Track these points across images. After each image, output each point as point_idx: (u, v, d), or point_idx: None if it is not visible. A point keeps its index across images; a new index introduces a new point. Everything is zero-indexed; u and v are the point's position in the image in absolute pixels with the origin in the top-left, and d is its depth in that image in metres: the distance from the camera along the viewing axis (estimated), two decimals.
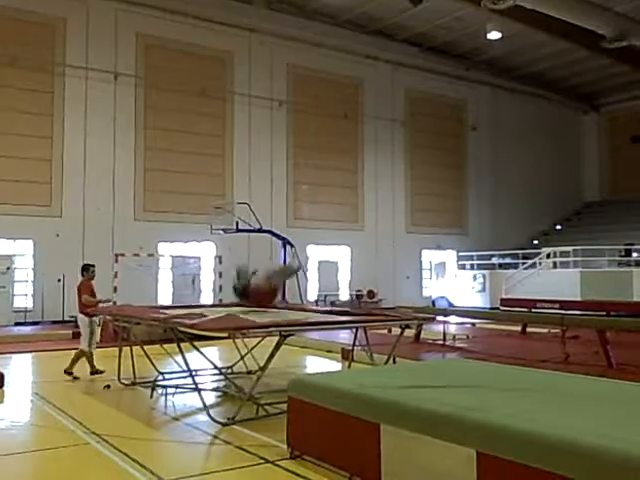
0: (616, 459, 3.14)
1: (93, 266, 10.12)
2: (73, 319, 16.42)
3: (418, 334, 13.00)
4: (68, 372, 9.31)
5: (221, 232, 18.66)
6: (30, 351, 12.47)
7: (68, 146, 18.92)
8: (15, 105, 18.10)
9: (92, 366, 9.43)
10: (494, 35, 23.46)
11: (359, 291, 23.57)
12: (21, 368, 11.27)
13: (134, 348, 8.78)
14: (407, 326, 7.96)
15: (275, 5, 22.17)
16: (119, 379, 8.65)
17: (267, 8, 22.04)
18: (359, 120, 24.78)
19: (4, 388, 8.50)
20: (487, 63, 27.52)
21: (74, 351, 9.62)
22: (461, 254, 26.31)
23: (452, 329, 15.09)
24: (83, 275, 10.05)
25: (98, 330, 9.95)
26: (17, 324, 17.18)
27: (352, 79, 24.61)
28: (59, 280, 17.85)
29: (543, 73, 28.65)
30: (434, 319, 12.22)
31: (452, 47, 25.91)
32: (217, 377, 8.78)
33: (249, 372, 8.97)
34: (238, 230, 18.44)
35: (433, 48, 25.67)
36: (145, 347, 8.92)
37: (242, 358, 8.90)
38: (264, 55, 22.49)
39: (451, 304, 23.91)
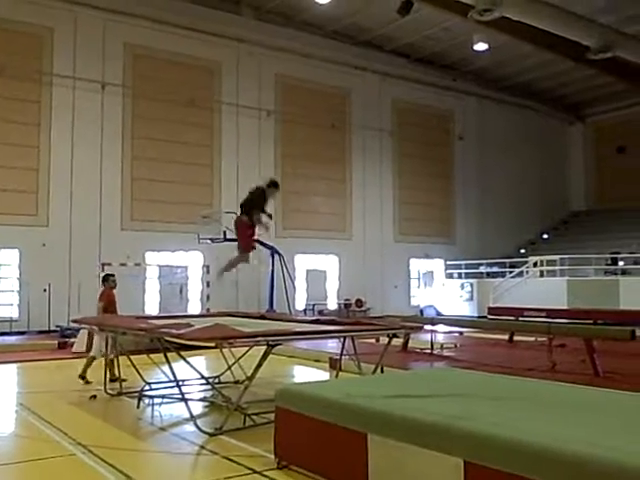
0: (602, 468, 3.15)
1: (113, 275, 10.54)
2: (59, 329, 16.36)
3: (406, 343, 12.99)
4: (82, 377, 9.40)
5: (208, 241, 18.63)
6: (15, 361, 12.33)
7: (55, 155, 18.84)
8: (2, 114, 18.02)
9: (84, 371, 9.47)
10: (481, 46, 23.69)
11: (347, 300, 23.57)
12: (6, 378, 11.14)
13: (120, 358, 8.71)
14: (395, 335, 7.96)
15: (264, 16, 22.25)
16: (105, 389, 8.59)
17: (256, 19, 22.12)
18: (347, 130, 24.87)
19: None
20: (474, 74, 27.74)
21: (59, 361, 9.55)
22: (449, 263, 26.41)
23: (440, 338, 15.10)
24: (104, 285, 10.37)
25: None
26: (2, 334, 17.01)
27: (340, 89, 24.71)
28: (45, 290, 17.74)
29: (529, 84, 28.92)
30: (422, 328, 12.27)
31: (439, 58, 26.11)
32: (204, 387, 8.73)
33: (236, 382, 8.92)
34: (226, 239, 18.39)
35: (421, 59, 25.86)
36: (132, 357, 8.85)
37: (229, 368, 8.86)
38: (252, 65, 22.54)
39: (439, 313, 23.96)
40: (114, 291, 10.43)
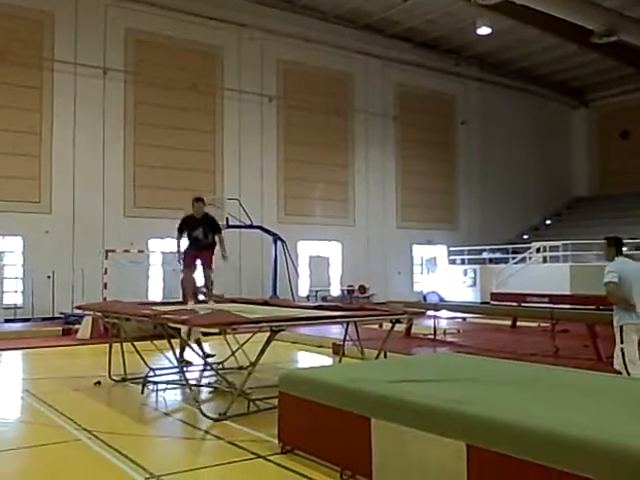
0: (604, 450, 3.16)
1: None
2: (63, 316, 16.43)
3: (409, 329, 13.04)
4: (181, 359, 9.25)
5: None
6: (20, 348, 12.39)
7: (57, 142, 18.81)
8: (3, 101, 17.96)
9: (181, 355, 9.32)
10: (484, 30, 23.53)
11: (350, 286, 23.59)
12: (11, 365, 11.22)
13: (124, 344, 8.75)
14: (398, 321, 7.96)
15: (265, 0, 22.10)
16: (110, 375, 8.63)
17: (257, 3, 21.95)
18: (349, 115, 24.77)
19: None
20: (477, 58, 27.57)
21: (63, 348, 9.58)
22: (452, 249, 26.38)
23: (443, 324, 15.15)
24: None
25: None
26: (7, 321, 17.08)
27: (342, 74, 24.59)
28: (49, 277, 17.78)
29: (533, 68, 28.74)
30: (425, 314, 12.30)
31: (442, 42, 25.94)
32: (208, 373, 8.78)
33: (240, 368, 8.96)
34: (229, 226, 18.39)
35: (423, 43, 25.68)
36: (136, 343, 8.89)
37: (233, 354, 8.89)
38: (254, 50, 22.43)
39: (442, 299, 23.98)
40: None
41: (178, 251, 9.89)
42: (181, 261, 9.89)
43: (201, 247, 9.85)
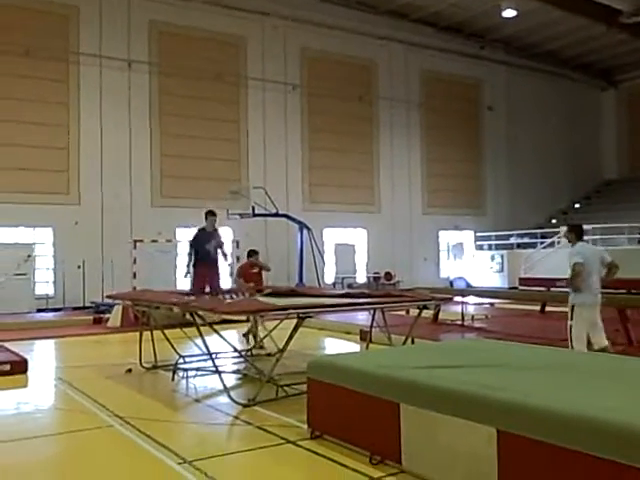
0: (638, 435, 3.13)
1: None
2: (93, 305, 16.68)
3: (436, 315, 13.00)
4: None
5: (238, 217, 18.71)
6: (52, 337, 12.62)
7: (84, 134, 19.02)
8: (31, 95, 18.18)
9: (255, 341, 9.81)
10: (509, 13, 23.20)
11: (376, 273, 23.57)
12: (44, 353, 11.43)
13: (155, 332, 8.86)
14: (425, 307, 7.94)
15: None
16: (140, 363, 8.75)
17: None
18: (374, 102, 24.63)
19: (28, 373, 8.64)
20: (502, 42, 27.17)
21: (94, 336, 9.74)
22: (479, 234, 26.19)
23: (470, 309, 15.06)
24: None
25: None
26: (39, 310, 17.40)
27: (366, 61, 24.43)
28: (79, 267, 18.05)
29: (559, 51, 28.24)
30: (452, 299, 12.22)
31: (467, 26, 25.59)
32: (237, 359, 8.86)
33: (268, 354, 9.03)
34: (255, 215, 18.49)
35: (447, 27, 25.36)
36: (165, 331, 9.00)
37: (261, 340, 8.98)
38: (277, 39, 22.38)
39: (469, 285, 23.84)
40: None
41: (188, 265, 10.12)
42: (189, 275, 10.15)
43: (211, 263, 10.12)
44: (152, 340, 8.75)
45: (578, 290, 7.28)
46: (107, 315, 14.55)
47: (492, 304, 16.86)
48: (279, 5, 21.88)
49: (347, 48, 23.64)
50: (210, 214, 10.43)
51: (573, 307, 7.32)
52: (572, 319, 7.30)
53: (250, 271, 10.80)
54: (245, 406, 6.44)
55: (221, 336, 7.76)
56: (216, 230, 10.58)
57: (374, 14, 23.75)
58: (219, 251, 10.56)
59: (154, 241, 18.51)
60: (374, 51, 24.46)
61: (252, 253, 10.94)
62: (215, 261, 10.45)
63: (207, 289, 10.36)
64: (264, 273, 11.07)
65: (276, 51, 22.36)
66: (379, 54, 24.66)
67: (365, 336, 9.88)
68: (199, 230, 10.56)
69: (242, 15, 21.49)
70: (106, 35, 19.34)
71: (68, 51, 18.86)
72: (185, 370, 8.22)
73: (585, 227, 23.09)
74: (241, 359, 8.62)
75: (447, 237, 26.44)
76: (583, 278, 7.24)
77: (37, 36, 18.29)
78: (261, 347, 9.71)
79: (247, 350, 9.34)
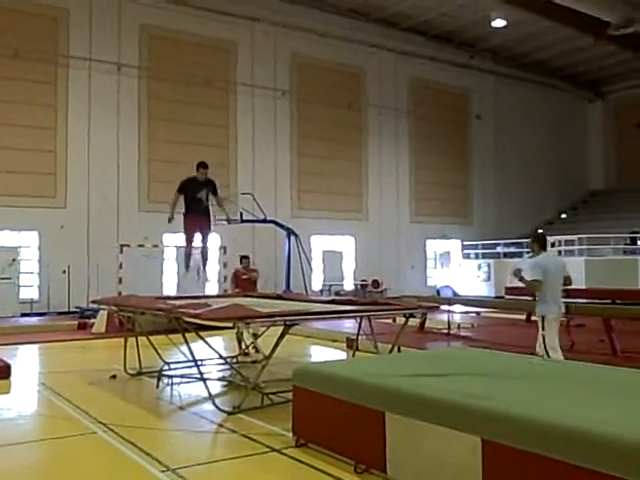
0: (620, 445, 3.14)
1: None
2: (78, 310, 16.56)
3: (423, 323, 13.01)
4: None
5: (225, 223, 18.61)
6: (36, 342, 12.51)
7: (72, 137, 18.92)
8: (18, 97, 18.08)
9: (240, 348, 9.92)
10: (499, 23, 23.38)
11: (364, 281, 23.58)
12: (27, 359, 11.31)
13: (139, 338, 8.80)
14: (412, 315, 7.95)
15: None
16: (125, 369, 8.69)
17: None
18: (363, 110, 24.70)
19: (11, 378, 8.55)
20: (491, 51, 27.39)
21: (79, 342, 9.67)
22: (466, 243, 26.29)
23: (457, 318, 15.07)
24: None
25: None
26: (23, 315, 17.26)
27: (356, 68, 24.52)
28: (64, 271, 17.93)
29: (548, 61, 28.50)
30: (438, 308, 12.23)
31: (456, 35, 25.77)
32: (222, 366, 8.81)
33: (254, 361, 8.99)
34: (242, 221, 18.42)
35: (437, 36, 25.54)
36: (150, 337, 8.94)
37: (247, 347, 8.94)
38: (268, 45, 22.41)
39: (456, 293, 23.90)
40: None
41: (172, 210, 10.06)
42: (171, 220, 10.08)
43: (201, 211, 10.05)
44: (137, 346, 8.69)
45: (544, 301, 7.42)
46: (92, 320, 14.46)
47: (478, 313, 16.90)
48: (269, 11, 21.92)
49: (337, 55, 23.72)
50: (202, 166, 10.33)
51: (543, 318, 7.45)
52: (544, 329, 7.42)
53: (242, 277, 10.89)
54: (230, 414, 6.41)
55: (206, 342, 7.72)
56: (209, 179, 10.40)
57: (365, 22, 23.86)
58: (211, 198, 10.35)
59: (141, 246, 18.40)
60: (364, 59, 24.55)
61: (243, 259, 11.03)
62: (207, 209, 10.32)
63: (198, 237, 10.32)
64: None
65: (266, 57, 22.38)
66: (369, 62, 24.75)
67: (351, 344, 9.87)
68: (188, 179, 10.34)
69: (232, 20, 21.51)
70: (96, 38, 19.28)
71: (57, 54, 18.78)
72: (170, 377, 8.17)
73: (570, 237, 23.27)
74: (226, 366, 8.58)
75: (434, 246, 26.52)
76: (544, 290, 7.38)
77: (26, 38, 18.20)
78: (246, 354, 9.68)
79: (232, 357, 9.30)
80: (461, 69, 26.98)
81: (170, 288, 19.60)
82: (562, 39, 25.26)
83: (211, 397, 6.87)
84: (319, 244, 23.30)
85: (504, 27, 23.69)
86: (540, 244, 7.70)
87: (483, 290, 23.89)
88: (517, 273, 7.48)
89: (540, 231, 7.99)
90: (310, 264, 21.09)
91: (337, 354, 10.75)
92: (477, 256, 25.29)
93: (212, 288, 20.44)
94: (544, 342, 7.37)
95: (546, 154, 29.62)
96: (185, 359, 8.40)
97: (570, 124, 31.02)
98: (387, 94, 25.23)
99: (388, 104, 25.18)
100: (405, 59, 25.53)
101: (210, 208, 10.44)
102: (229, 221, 10.75)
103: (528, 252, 23.06)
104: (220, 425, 6.11)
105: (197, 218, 10.23)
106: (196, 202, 10.09)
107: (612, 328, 9.65)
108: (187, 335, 7.35)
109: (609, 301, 15.65)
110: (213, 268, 21.01)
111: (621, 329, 10.36)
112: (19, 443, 5.66)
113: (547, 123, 29.62)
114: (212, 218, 10.62)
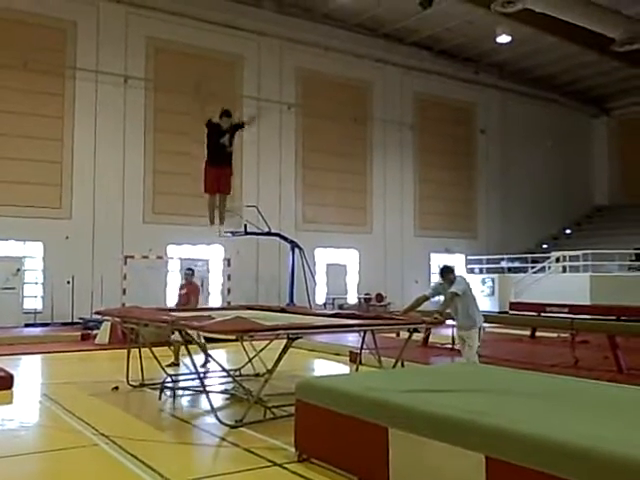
0: (626, 464, 3.11)
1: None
2: (82, 321, 16.55)
3: (427, 338, 12.96)
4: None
5: (229, 235, 18.67)
6: (39, 352, 12.50)
7: (78, 149, 19.00)
8: (26, 108, 18.17)
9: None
10: (504, 39, 23.43)
11: (367, 294, 23.52)
12: (30, 369, 11.30)
13: (142, 350, 8.79)
14: (415, 330, 7.92)
15: (285, 9, 22.22)
16: (127, 381, 8.67)
17: (277, 12, 22.09)
18: (368, 123, 24.77)
19: (13, 389, 8.53)
20: (497, 66, 27.49)
21: (82, 353, 9.66)
22: (470, 258, 26.23)
23: None
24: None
25: None
26: (27, 325, 17.27)
27: (361, 82, 24.61)
28: (68, 282, 17.94)
29: (553, 76, 28.57)
30: (443, 323, 12.19)
31: (462, 50, 25.89)
32: (225, 379, 8.78)
33: (257, 375, 8.96)
34: (247, 233, 18.43)
35: (442, 51, 25.66)
36: (154, 349, 8.93)
37: (250, 361, 8.91)
38: (273, 58, 22.53)
39: None
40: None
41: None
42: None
43: (223, 158, 9.95)
44: (140, 358, 8.67)
45: (477, 316, 8.12)
46: (95, 331, 14.44)
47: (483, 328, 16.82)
48: (276, 25, 22.04)
49: (343, 69, 23.82)
50: (226, 114, 10.18)
51: (480, 329, 8.13)
52: (478, 340, 8.10)
53: (180, 291, 11.21)
54: (232, 427, 6.37)
55: (209, 355, 7.71)
56: (232, 125, 10.24)
57: (371, 37, 23.99)
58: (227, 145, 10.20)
59: (145, 257, 18.43)
60: (369, 73, 24.66)
61: (187, 271, 11.41)
62: (229, 155, 10.19)
63: (217, 194, 10.24)
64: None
65: (272, 70, 22.49)
66: (374, 76, 24.85)
67: (355, 358, 9.83)
68: (213, 122, 10.12)
69: (239, 34, 21.64)
70: (103, 50, 19.41)
71: (65, 66, 18.90)
72: (172, 389, 8.14)
73: (575, 253, 23.18)
74: (229, 379, 8.55)
75: (438, 260, 26.44)
76: (468, 305, 8.03)
77: (34, 50, 18.31)
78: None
79: (235, 370, 9.26)
80: (466, 84, 27.07)
81: (174, 300, 19.56)
82: (567, 55, 25.33)
83: (213, 410, 6.84)
84: (323, 257, 23.28)
85: (509, 43, 23.76)
86: (450, 274, 8.25)
87: (487, 305, 23.78)
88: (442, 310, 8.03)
89: (447, 264, 8.47)
90: (314, 277, 21.06)
91: (340, 368, 10.71)
92: (481, 271, 25.22)
93: (215, 300, 20.43)
94: (473, 351, 8.06)
95: (551, 169, 29.62)
96: (188, 371, 8.38)
97: (575, 140, 31.04)
98: (392, 108, 25.31)
99: (393, 118, 25.25)
100: (411, 74, 25.62)
101: (232, 154, 10.34)
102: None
103: (533, 268, 23.11)
104: (222, 438, 6.08)
105: (218, 170, 10.12)
106: (220, 148, 10.06)
107: (617, 345, 9.59)
108: (190, 347, 7.33)
109: (614, 317, 15.60)
110: (217, 280, 21.05)
111: (626, 346, 10.30)
112: (20, 455, 5.64)
113: (552, 138, 29.62)
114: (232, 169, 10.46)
